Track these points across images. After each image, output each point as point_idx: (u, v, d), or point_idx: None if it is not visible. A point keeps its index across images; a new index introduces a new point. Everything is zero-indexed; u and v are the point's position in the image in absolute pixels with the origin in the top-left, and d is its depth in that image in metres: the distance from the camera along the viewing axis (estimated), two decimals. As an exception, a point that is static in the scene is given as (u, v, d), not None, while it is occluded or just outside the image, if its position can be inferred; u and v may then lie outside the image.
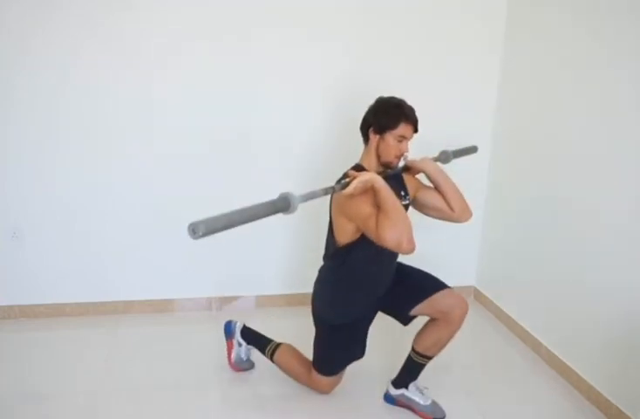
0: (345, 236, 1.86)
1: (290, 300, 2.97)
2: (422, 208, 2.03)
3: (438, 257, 3.00)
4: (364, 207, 1.72)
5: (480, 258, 3.14)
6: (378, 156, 1.88)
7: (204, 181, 2.72)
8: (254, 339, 2.29)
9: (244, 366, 2.32)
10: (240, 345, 2.29)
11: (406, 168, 1.97)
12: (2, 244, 2.65)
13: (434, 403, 2.07)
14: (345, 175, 1.83)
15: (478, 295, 3.14)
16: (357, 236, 1.84)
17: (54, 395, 2.13)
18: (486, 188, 3.02)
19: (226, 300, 2.93)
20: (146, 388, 2.20)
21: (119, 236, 2.74)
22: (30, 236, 2.66)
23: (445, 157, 2.11)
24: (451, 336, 1.97)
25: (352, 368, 2.32)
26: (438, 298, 1.95)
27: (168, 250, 2.80)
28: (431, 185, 1.99)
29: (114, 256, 2.76)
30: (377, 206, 1.72)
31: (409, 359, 2.05)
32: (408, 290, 2.00)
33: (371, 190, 1.72)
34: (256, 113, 2.68)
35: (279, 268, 2.94)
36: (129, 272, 2.80)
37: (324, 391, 2.14)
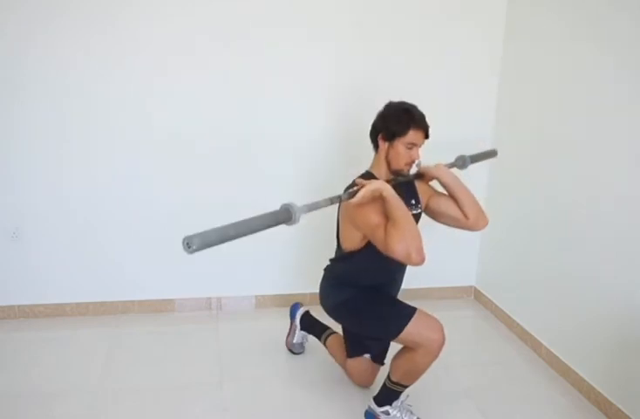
0: (351, 243, 1.84)
1: (290, 300, 2.96)
2: (435, 215, 1.97)
3: (438, 257, 2.99)
4: (373, 216, 1.69)
5: (480, 258, 3.14)
6: (388, 164, 1.84)
7: (205, 182, 2.72)
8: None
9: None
10: (388, 413, 2.01)
11: (419, 176, 1.91)
12: (2, 244, 2.65)
13: None
14: (354, 183, 1.78)
15: (478, 295, 3.14)
16: (363, 244, 1.82)
17: (54, 395, 2.13)
18: (486, 188, 3.02)
19: (226, 300, 2.93)
20: (146, 387, 2.20)
21: (119, 236, 2.73)
22: (31, 236, 2.66)
23: (461, 163, 2.02)
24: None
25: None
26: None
27: (168, 251, 2.79)
28: (444, 192, 1.94)
29: (114, 256, 2.76)
30: (386, 215, 1.67)
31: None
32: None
33: (380, 199, 1.67)
34: (258, 118, 2.67)
35: (279, 268, 2.93)
36: (129, 272, 2.79)
37: (435, 344, 1.82)
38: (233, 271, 2.88)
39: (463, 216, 1.88)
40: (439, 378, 2.29)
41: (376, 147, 1.87)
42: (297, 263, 2.93)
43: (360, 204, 1.66)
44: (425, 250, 1.66)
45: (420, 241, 1.65)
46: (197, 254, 2.96)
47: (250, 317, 2.87)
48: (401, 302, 1.94)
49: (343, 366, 2.21)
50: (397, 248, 1.60)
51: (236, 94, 2.63)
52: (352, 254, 1.87)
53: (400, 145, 1.79)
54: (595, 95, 2.15)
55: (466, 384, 2.31)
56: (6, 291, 2.71)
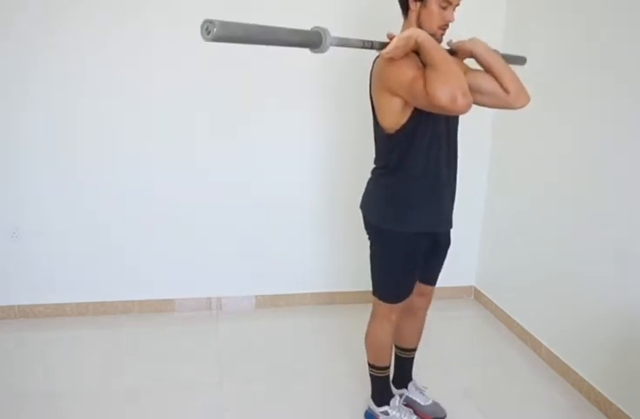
0: (391, 118, 1.64)
1: (290, 300, 2.97)
2: (472, 93, 1.67)
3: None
4: (408, 71, 1.51)
5: (480, 258, 3.14)
6: (420, 28, 1.60)
7: (204, 181, 2.72)
8: (383, 397, 2.02)
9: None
10: (387, 414, 2.00)
11: (452, 52, 1.71)
12: (2, 244, 2.65)
13: (435, 404, 2.06)
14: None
15: (478, 295, 3.14)
16: (405, 118, 1.63)
17: (54, 395, 2.13)
18: (486, 188, 3.02)
19: (226, 300, 2.93)
20: (146, 387, 2.20)
21: (119, 236, 2.73)
22: (31, 236, 2.66)
23: None
24: (422, 324, 2.02)
25: (353, 368, 2.32)
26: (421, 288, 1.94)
27: (168, 251, 2.80)
28: (480, 68, 1.73)
29: (114, 256, 2.76)
30: (424, 66, 1.51)
31: (396, 357, 2.06)
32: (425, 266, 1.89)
33: (413, 55, 1.53)
34: (254, 112, 2.68)
35: (279, 268, 2.93)
36: (129, 272, 2.79)
37: (393, 320, 1.90)
38: (233, 271, 2.88)
39: (503, 90, 1.67)
40: (439, 378, 2.29)
41: (405, 11, 1.67)
42: (297, 263, 2.93)
43: (392, 60, 1.52)
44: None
45: (465, 83, 1.47)
46: (197, 252, 2.97)
47: (250, 317, 2.87)
48: (414, 282, 1.85)
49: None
50: (440, 92, 1.42)
51: (239, 89, 2.64)
52: (398, 135, 1.66)
53: (434, 3, 1.59)
54: (596, 96, 2.15)
55: (466, 384, 2.30)
56: (6, 291, 2.71)
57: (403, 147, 1.68)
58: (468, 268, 3.16)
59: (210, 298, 2.91)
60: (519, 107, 1.72)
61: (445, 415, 2.04)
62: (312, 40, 1.26)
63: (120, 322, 2.76)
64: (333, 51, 1.38)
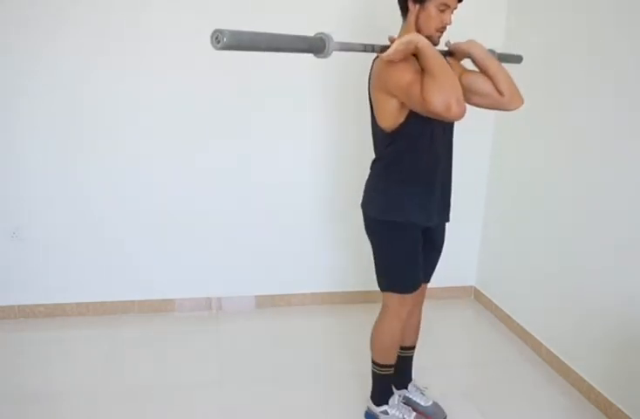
0: (389, 118, 1.68)
1: (290, 300, 2.97)
2: (468, 94, 1.75)
3: (438, 257, 3.00)
4: (406, 74, 1.55)
5: (479, 258, 3.14)
6: (418, 30, 1.66)
7: (204, 181, 2.72)
8: (382, 396, 2.03)
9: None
10: (387, 413, 2.02)
11: (450, 53, 1.76)
12: (2, 244, 2.65)
13: (435, 404, 2.06)
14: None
15: (478, 295, 3.14)
16: (402, 118, 1.67)
17: (53, 395, 2.13)
18: (486, 188, 3.02)
19: (226, 300, 2.93)
20: (146, 387, 2.20)
21: (119, 236, 2.73)
22: (31, 236, 2.66)
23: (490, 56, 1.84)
24: (419, 320, 2.00)
25: (353, 368, 2.32)
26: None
27: (168, 251, 2.80)
28: (476, 69, 1.76)
29: (114, 256, 2.76)
30: (422, 71, 1.54)
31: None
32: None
33: (412, 59, 1.56)
34: (255, 111, 2.68)
35: (279, 268, 2.93)
36: (129, 272, 2.79)
37: (403, 317, 1.90)
38: (233, 271, 2.88)
39: (497, 92, 1.71)
40: (439, 378, 2.29)
41: (405, 12, 1.70)
42: (297, 263, 2.93)
43: (392, 62, 1.54)
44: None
45: (460, 91, 1.51)
46: (197, 252, 2.96)
47: (250, 317, 2.87)
48: (419, 270, 1.86)
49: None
50: (435, 99, 1.47)
51: (235, 93, 2.64)
52: (395, 134, 1.70)
53: (432, 6, 1.63)
54: (598, 93, 2.15)
55: (466, 384, 2.31)
56: (6, 291, 2.71)
57: (400, 145, 1.73)
58: (468, 268, 3.16)
59: (210, 298, 2.91)
60: (512, 109, 1.76)
61: (446, 416, 2.04)
62: (316, 46, 1.31)
63: (120, 322, 2.76)
64: (335, 53, 1.40)
